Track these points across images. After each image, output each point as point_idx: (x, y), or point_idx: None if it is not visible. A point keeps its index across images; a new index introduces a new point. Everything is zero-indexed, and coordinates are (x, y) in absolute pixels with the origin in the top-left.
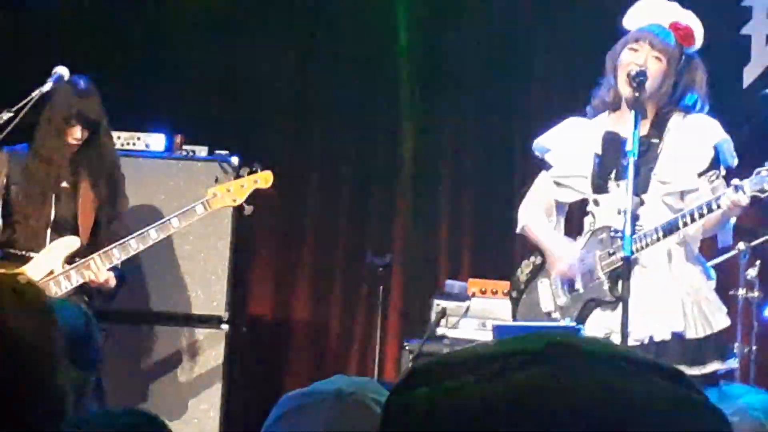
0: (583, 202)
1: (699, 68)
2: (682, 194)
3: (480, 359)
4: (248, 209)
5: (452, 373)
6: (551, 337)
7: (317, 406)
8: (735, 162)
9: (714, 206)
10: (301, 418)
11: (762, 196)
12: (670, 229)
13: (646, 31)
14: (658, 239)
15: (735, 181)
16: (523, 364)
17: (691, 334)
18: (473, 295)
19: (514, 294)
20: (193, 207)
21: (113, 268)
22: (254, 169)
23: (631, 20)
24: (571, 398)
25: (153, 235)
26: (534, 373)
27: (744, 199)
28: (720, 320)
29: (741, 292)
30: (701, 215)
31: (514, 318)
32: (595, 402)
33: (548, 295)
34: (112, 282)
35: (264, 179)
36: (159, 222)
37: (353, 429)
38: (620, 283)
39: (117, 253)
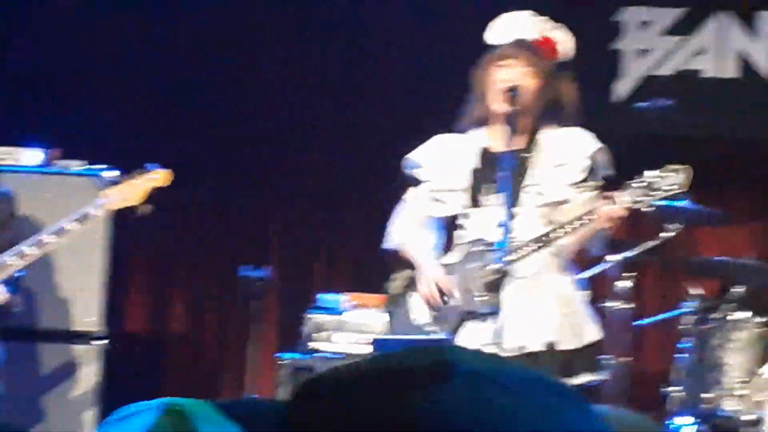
0: (455, 217)
1: (568, 78)
2: (556, 205)
3: (369, 378)
4: (144, 209)
5: (342, 393)
6: (436, 353)
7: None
8: (610, 173)
9: (587, 218)
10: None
11: (635, 207)
12: (544, 240)
13: (512, 46)
14: (533, 251)
15: (608, 194)
16: (410, 383)
17: (563, 346)
18: (348, 308)
19: (389, 307)
20: (86, 210)
21: (6, 282)
22: (147, 169)
23: (495, 35)
24: (463, 419)
25: (48, 239)
26: (422, 394)
27: (617, 212)
28: (591, 332)
29: (613, 303)
30: (574, 228)
31: (391, 331)
32: (483, 423)
33: (422, 308)
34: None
35: (163, 178)
36: (55, 228)
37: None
38: (494, 295)
39: (12, 261)
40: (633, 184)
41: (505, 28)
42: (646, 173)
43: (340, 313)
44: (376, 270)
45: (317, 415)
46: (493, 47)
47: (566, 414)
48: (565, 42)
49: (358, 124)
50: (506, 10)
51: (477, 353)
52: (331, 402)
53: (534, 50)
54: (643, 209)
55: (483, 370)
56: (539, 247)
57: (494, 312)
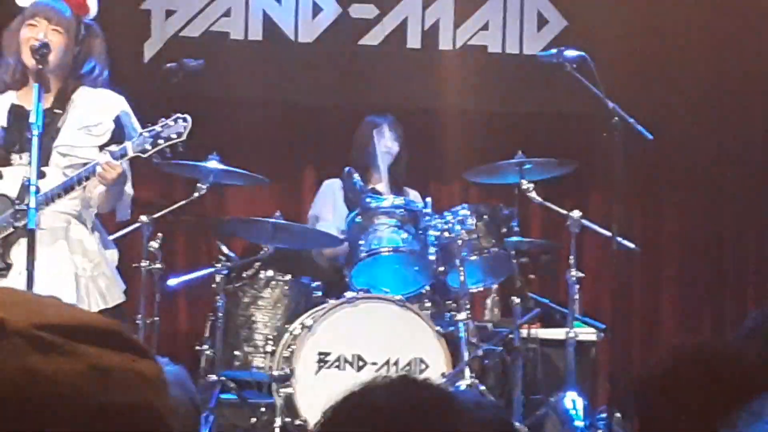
0: None
1: (97, 36)
2: (83, 167)
3: None
4: None
5: None
6: None
7: None
8: (137, 130)
9: (93, 170)
10: None
11: (142, 156)
12: (59, 192)
13: (41, 5)
14: (46, 203)
15: (113, 146)
16: None
17: (93, 308)
18: None
19: None
20: None
21: None
22: None
23: None
24: None
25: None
26: None
27: (115, 164)
28: (116, 296)
29: (144, 264)
30: (81, 180)
31: None
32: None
33: None
34: None
35: None
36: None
37: None
38: (12, 250)
39: None
40: (136, 134)
41: None
42: (154, 126)
43: None
44: None
45: None
46: (24, 9)
47: None
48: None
49: None
50: None
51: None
52: None
53: (61, 8)
54: (152, 159)
55: None
56: (54, 199)
57: (9, 267)
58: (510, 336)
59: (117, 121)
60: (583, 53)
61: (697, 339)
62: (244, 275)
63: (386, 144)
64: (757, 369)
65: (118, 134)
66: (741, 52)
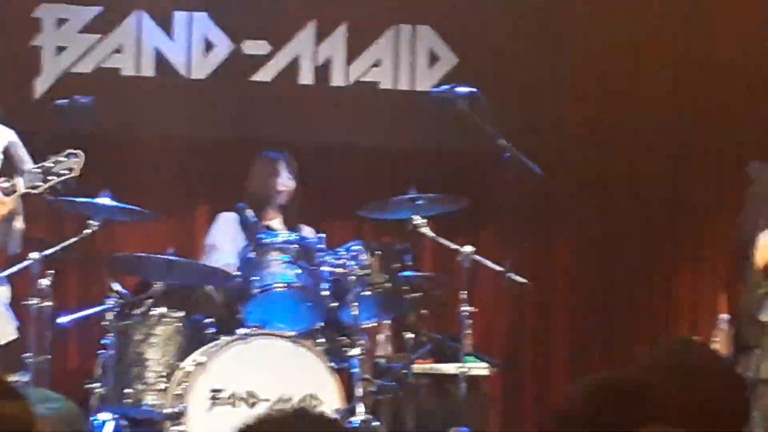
0: None
1: None
2: None
3: None
4: None
5: None
6: None
7: None
8: (28, 166)
9: None
10: None
11: (33, 192)
12: None
13: None
14: None
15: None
16: None
17: None
18: None
19: None
20: None
21: None
22: None
23: None
24: None
25: None
26: None
27: (6, 200)
28: (8, 332)
29: (34, 301)
30: None
31: None
32: None
33: None
34: None
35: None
36: None
37: None
38: None
39: None
40: (27, 170)
41: None
42: (44, 162)
43: None
44: None
45: None
46: None
47: None
48: None
49: None
50: None
51: None
52: None
53: None
54: (44, 195)
55: None
56: None
57: None
58: (403, 371)
59: (5, 152)
60: (474, 89)
61: (607, 372)
62: (136, 312)
63: (282, 182)
64: (667, 399)
65: (7, 165)
66: (631, 86)
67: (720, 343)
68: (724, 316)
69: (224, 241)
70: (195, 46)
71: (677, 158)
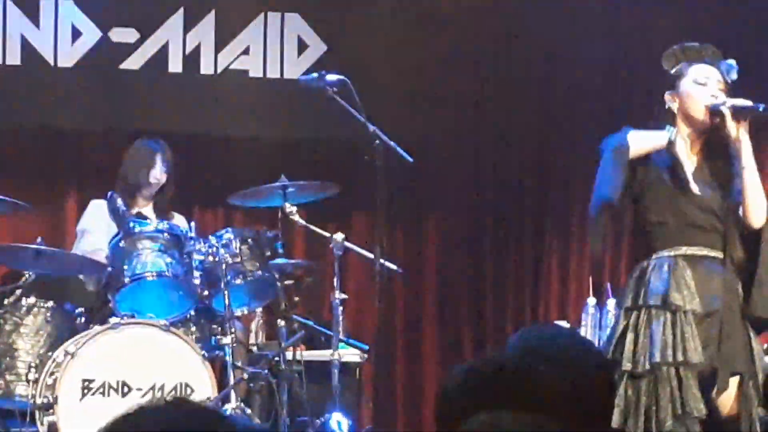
0: None
1: None
2: None
3: None
4: None
5: None
6: None
7: None
8: None
9: None
10: None
11: None
12: None
13: None
14: None
15: None
16: None
17: None
18: None
19: None
20: None
21: None
22: None
23: None
24: None
25: None
26: None
27: None
28: None
29: None
30: None
31: None
32: None
33: None
34: None
35: None
36: None
37: None
38: None
39: None
40: None
41: None
42: None
43: None
44: None
45: None
46: None
47: None
48: None
49: None
50: None
51: None
52: None
53: None
54: None
55: None
56: None
57: None
58: (275, 359)
59: None
60: (343, 77)
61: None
62: (5, 302)
63: (156, 174)
64: (536, 383)
65: None
66: (500, 76)
67: (587, 328)
68: (592, 300)
69: (96, 227)
70: (62, 33)
71: (544, 144)
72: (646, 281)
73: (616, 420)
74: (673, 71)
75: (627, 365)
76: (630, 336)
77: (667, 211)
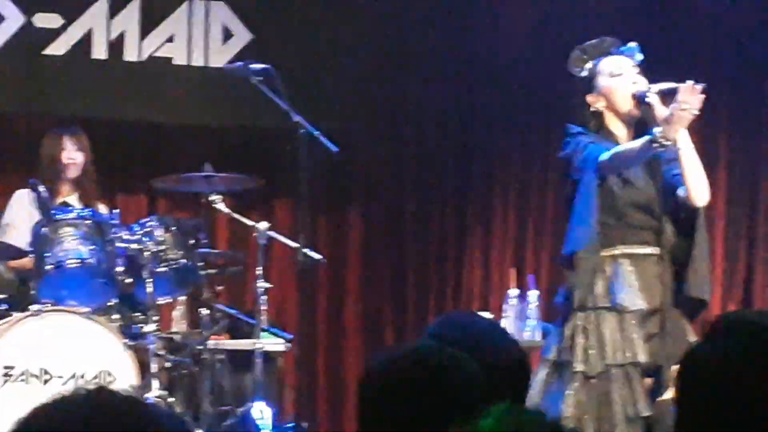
0: None
1: None
2: None
3: None
4: None
5: None
6: None
7: None
8: None
9: None
10: None
11: None
12: None
13: None
14: None
15: None
16: None
17: None
18: None
19: None
20: None
21: None
22: None
23: None
24: None
25: None
26: None
27: None
28: None
29: None
30: None
31: None
32: None
33: None
34: None
35: None
36: None
37: None
38: None
39: None
40: None
41: None
42: None
43: None
44: None
45: None
46: None
47: None
48: None
49: None
50: None
51: None
52: None
53: None
54: None
55: None
56: None
57: None
58: (198, 347)
59: None
60: (267, 66)
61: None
62: None
63: (68, 155)
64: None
65: None
66: (421, 65)
67: (509, 318)
68: (514, 291)
69: (20, 220)
70: None
71: (466, 131)
72: (592, 283)
73: (569, 422)
74: (584, 73)
75: (580, 366)
76: (581, 338)
77: (607, 212)
